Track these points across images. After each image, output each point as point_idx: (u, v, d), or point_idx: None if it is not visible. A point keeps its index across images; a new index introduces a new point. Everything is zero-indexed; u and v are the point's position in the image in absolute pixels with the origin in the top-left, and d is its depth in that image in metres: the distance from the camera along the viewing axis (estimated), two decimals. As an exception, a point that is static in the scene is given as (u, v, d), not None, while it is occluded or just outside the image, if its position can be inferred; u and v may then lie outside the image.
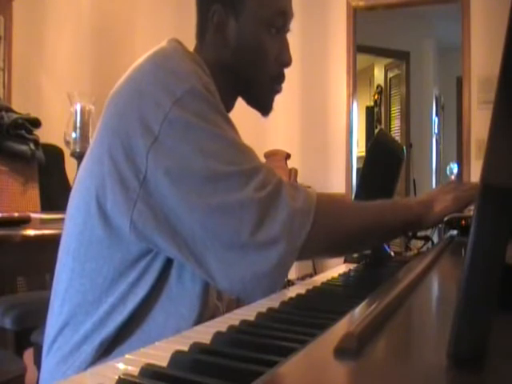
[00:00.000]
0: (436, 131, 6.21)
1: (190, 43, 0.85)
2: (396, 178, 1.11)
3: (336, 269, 0.95)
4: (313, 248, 0.73)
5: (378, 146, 1.09)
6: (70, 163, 2.07)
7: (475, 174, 3.67)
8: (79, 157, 1.68)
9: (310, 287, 0.71)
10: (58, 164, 2.35)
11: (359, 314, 0.41)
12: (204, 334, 0.44)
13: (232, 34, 0.82)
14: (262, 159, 2.75)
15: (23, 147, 1.94)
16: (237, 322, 0.48)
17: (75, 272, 0.74)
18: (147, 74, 0.73)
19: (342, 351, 0.30)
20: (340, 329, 0.36)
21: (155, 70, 0.73)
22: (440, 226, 0.97)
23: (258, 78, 0.85)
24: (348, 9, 4.12)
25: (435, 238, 1.30)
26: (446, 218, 0.88)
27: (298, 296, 0.64)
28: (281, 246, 0.69)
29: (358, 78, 4.33)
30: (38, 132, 2.04)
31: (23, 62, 3.44)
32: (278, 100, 0.91)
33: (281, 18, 0.84)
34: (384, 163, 1.08)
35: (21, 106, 2.43)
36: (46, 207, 2.02)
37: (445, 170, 4.41)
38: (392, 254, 1.05)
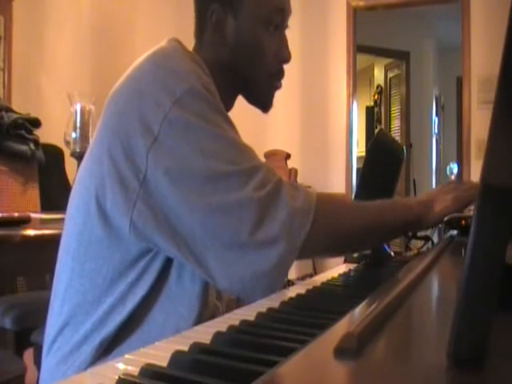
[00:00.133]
0: (436, 131, 6.21)
1: (190, 43, 0.85)
2: (396, 178, 1.11)
3: (336, 269, 0.95)
4: (313, 247, 0.73)
5: (378, 145, 1.09)
6: (70, 163, 2.07)
7: (475, 174, 3.67)
8: (79, 157, 1.68)
9: (310, 287, 0.71)
10: (58, 164, 2.35)
11: (359, 313, 0.41)
12: (204, 334, 0.44)
13: (230, 32, 0.82)
14: (262, 159, 2.74)
15: (23, 147, 1.94)
16: (237, 322, 0.48)
17: (75, 272, 0.74)
18: (147, 74, 0.73)
19: (342, 351, 0.30)
20: (340, 329, 0.36)
21: (155, 69, 0.73)
22: (440, 226, 0.96)
23: (257, 75, 0.85)
24: (348, 9, 4.12)
25: (435, 238, 1.30)
26: (445, 218, 0.88)
27: (298, 296, 0.64)
28: (281, 246, 0.68)
29: (358, 77, 4.33)
30: (38, 132, 2.04)
31: (23, 62, 3.44)
32: (278, 100, 0.91)
33: (279, 15, 0.84)
34: (384, 163, 1.08)
35: (21, 106, 2.43)
36: (45, 207, 2.02)
37: (445, 170, 4.41)
38: (392, 253, 1.05)
